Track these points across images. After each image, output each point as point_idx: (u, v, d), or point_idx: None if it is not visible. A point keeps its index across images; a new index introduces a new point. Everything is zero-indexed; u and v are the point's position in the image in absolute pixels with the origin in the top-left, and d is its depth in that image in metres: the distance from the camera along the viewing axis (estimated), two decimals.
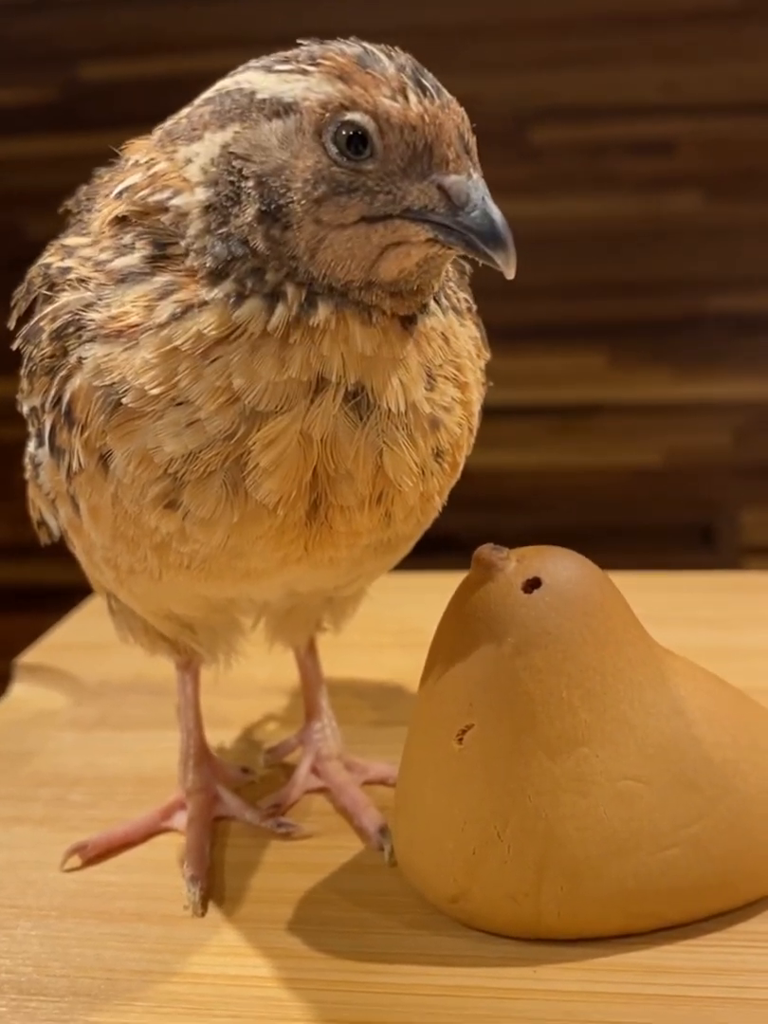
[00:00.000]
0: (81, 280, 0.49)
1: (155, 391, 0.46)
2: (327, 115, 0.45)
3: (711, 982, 0.48)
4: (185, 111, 0.50)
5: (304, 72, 0.45)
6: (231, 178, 0.46)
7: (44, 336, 0.50)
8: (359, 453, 0.48)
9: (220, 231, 0.46)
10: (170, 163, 0.48)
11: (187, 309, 0.46)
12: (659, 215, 1.72)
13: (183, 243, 0.47)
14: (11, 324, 0.54)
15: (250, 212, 0.46)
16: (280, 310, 0.46)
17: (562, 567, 0.52)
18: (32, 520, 0.60)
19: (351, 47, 0.46)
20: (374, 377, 0.47)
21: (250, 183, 0.46)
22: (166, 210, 0.47)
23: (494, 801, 0.50)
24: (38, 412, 0.52)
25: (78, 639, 0.89)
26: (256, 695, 0.76)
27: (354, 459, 0.48)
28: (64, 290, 0.50)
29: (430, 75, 0.46)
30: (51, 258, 0.52)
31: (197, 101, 0.49)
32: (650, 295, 1.74)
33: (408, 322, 0.48)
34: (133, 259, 0.48)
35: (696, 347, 1.74)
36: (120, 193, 0.49)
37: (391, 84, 0.44)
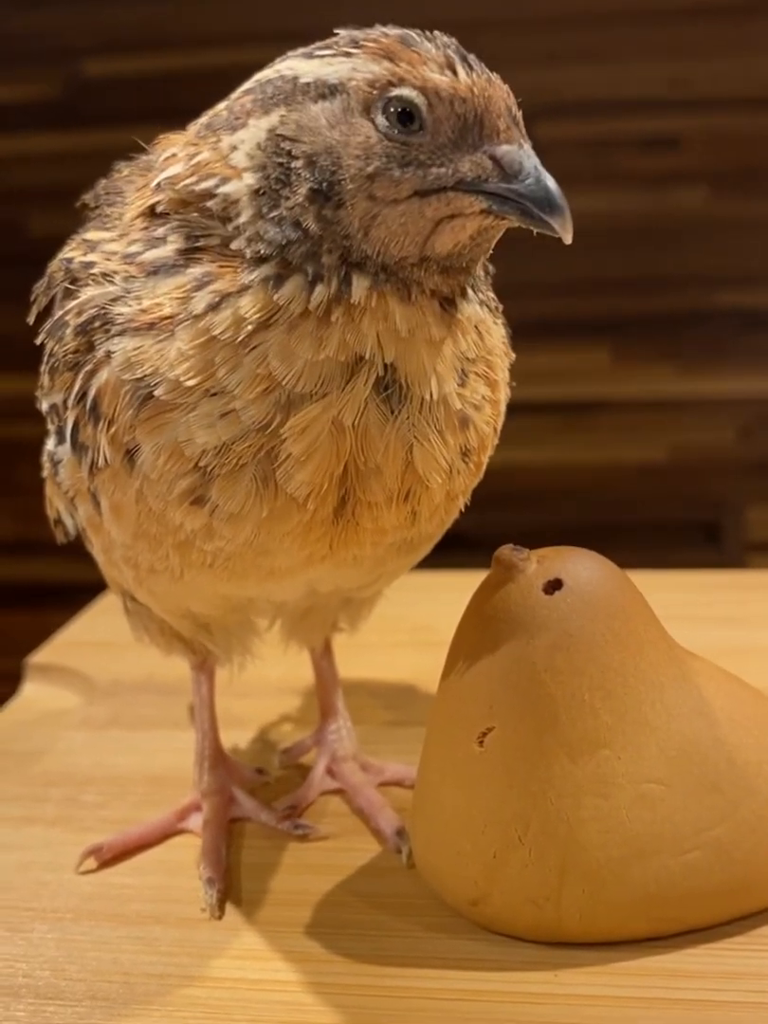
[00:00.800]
0: (105, 275, 0.49)
1: (191, 382, 0.46)
2: (375, 92, 0.45)
3: (735, 987, 0.47)
4: (223, 104, 0.49)
5: (347, 54, 0.46)
6: (280, 160, 0.46)
7: (68, 330, 0.49)
8: (389, 447, 0.47)
9: (272, 215, 0.46)
10: (214, 152, 0.48)
11: (224, 298, 0.46)
12: (665, 211, 1.71)
13: (229, 228, 0.47)
14: (31, 320, 0.53)
15: (302, 192, 0.45)
16: (319, 289, 0.46)
17: (583, 568, 0.52)
18: (49, 519, 0.60)
19: (392, 30, 0.47)
20: (408, 360, 0.47)
21: (300, 163, 0.46)
22: (212, 197, 0.47)
23: (515, 803, 0.49)
24: (59, 409, 0.52)
25: (89, 638, 0.88)
26: (271, 696, 0.76)
27: (384, 453, 0.47)
28: (87, 285, 0.49)
29: (472, 55, 0.46)
30: (73, 253, 0.52)
31: (235, 93, 0.49)
32: (655, 291, 1.73)
33: (448, 304, 0.48)
34: (166, 251, 0.48)
35: (701, 343, 1.73)
36: (159, 184, 0.49)
37: (437, 60, 0.45)
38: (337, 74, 0.46)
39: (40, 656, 0.85)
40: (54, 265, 0.53)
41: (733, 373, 1.74)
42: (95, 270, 0.49)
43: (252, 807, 0.62)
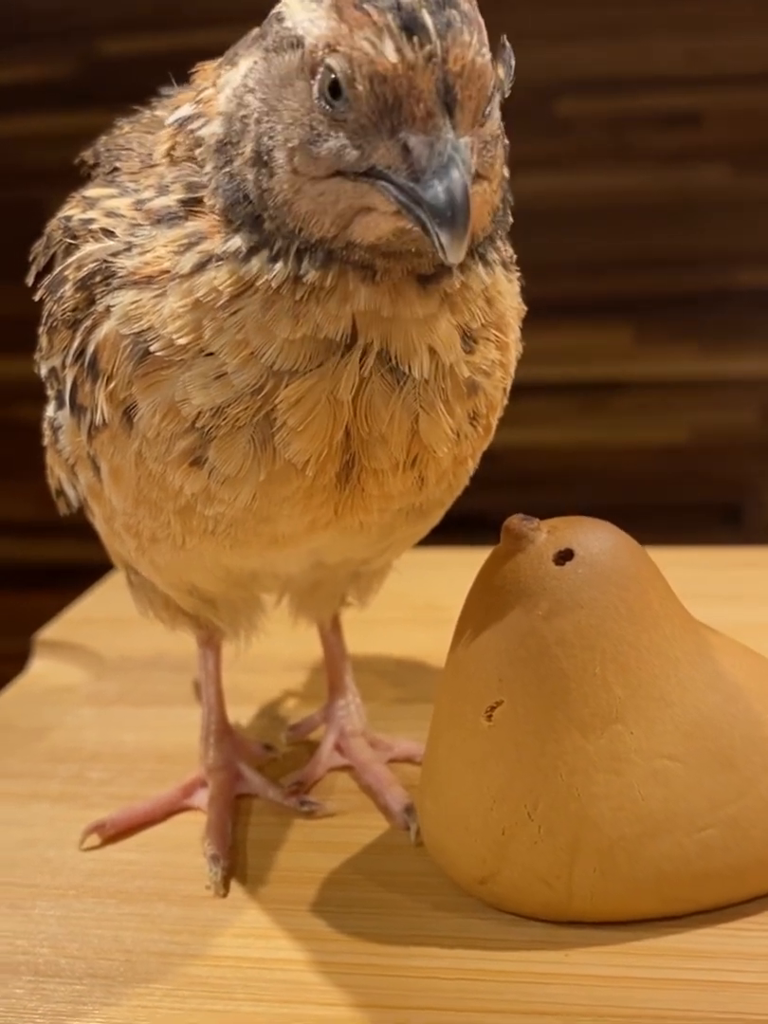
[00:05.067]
0: (105, 231, 0.48)
1: (183, 341, 0.45)
2: (319, 54, 0.41)
3: (750, 967, 0.46)
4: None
5: (319, 1, 0.42)
6: (242, 112, 0.44)
7: (68, 286, 0.48)
8: (394, 417, 0.46)
9: (226, 169, 0.44)
10: (214, 88, 0.46)
11: (207, 260, 0.45)
12: (686, 188, 1.69)
13: (205, 177, 0.45)
14: (29, 280, 0.52)
15: (247, 152, 0.44)
16: (279, 267, 0.44)
17: (595, 538, 0.50)
18: (51, 490, 0.59)
19: None
20: (395, 339, 0.45)
21: (252, 119, 0.44)
22: (201, 143, 0.46)
23: (525, 780, 0.48)
24: (58, 371, 0.51)
25: (98, 614, 0.88)
26: (278, 671, 0.75)
27: (389, 423, 0.46)
28: (87, 241, 0.48)
29: (444, 13, 0.40)
30: (72, 210, 0.51)
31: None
32: (677, 269, 1.72)
33: (429, 280, 0.45)
34: (169, 200, 0.47)
35: (723, 322, 1.71)
36: (177, 122, 0.47)
37: (376, 24, 0.40)
38: (303, 25, 0.42)
39: (49, 632, 0.85)
40: (52, 224, 0.52)
41: (755, 353, 1.72)
42: (94, 226, 0.48)
43: (259, 783, 0.62)
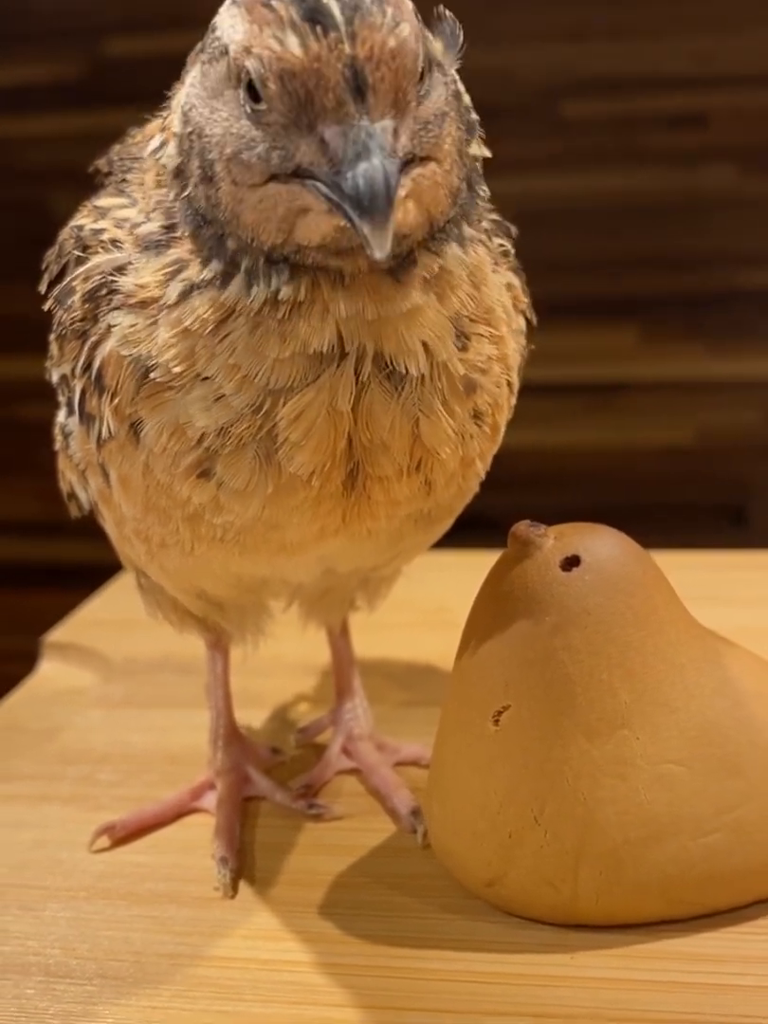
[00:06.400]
0: (114, 242, 0.48)
1: (178, 369, 0.45)
2: (240, 59, 0.40)
3: (754, 970, 0.46)
4: None
5: (238, 5, 0.41)
6: (189, 129, 0.44)
7: (76, 298, 0.49)
8: (395, 423, 0.46)
9: (184, 195, 0.45)
10: (175, 111, 0.46)
11: (191, 289, 0.45)
12: (692, 189, 1.69)
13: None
14: (42, 288, 0.53)
15: (195, 172, 0.44)
16: (256, 289, 0.44)
17: (602, 545, 0.51)
18: (62, 493, 0.59)
19: None
20: (387, 341, 0.44)
21: (196, 136, 0.43)
22: (164, 170, 0.46)
23: (531, 784, 0.49)
24: (68, 379, 0.51)
25: (106, 616, 0.88)
26: (286, 674, 0.75)
27: (390, 429, 0.46)
28: (97, 252, 0.49)
29: (356, 5, 0.38)
30: (83, 219, 0.51)
31: None
32: (682, 270, 1.71)
33: (398, 271, 0.44)
34: (152, 227, 0.47)
35: (729, 323, 1.71)
36: (151, 152, 0.48)
37: (281, 19, 0.39)
38: (227, 32, 0.41)
39: (57, 634, 0.85)
40: (65, 233, 0.52)
41: (761, 354, 1.72)
42: (105, 237, 0.48)
43: (267, 786, 0.62)
